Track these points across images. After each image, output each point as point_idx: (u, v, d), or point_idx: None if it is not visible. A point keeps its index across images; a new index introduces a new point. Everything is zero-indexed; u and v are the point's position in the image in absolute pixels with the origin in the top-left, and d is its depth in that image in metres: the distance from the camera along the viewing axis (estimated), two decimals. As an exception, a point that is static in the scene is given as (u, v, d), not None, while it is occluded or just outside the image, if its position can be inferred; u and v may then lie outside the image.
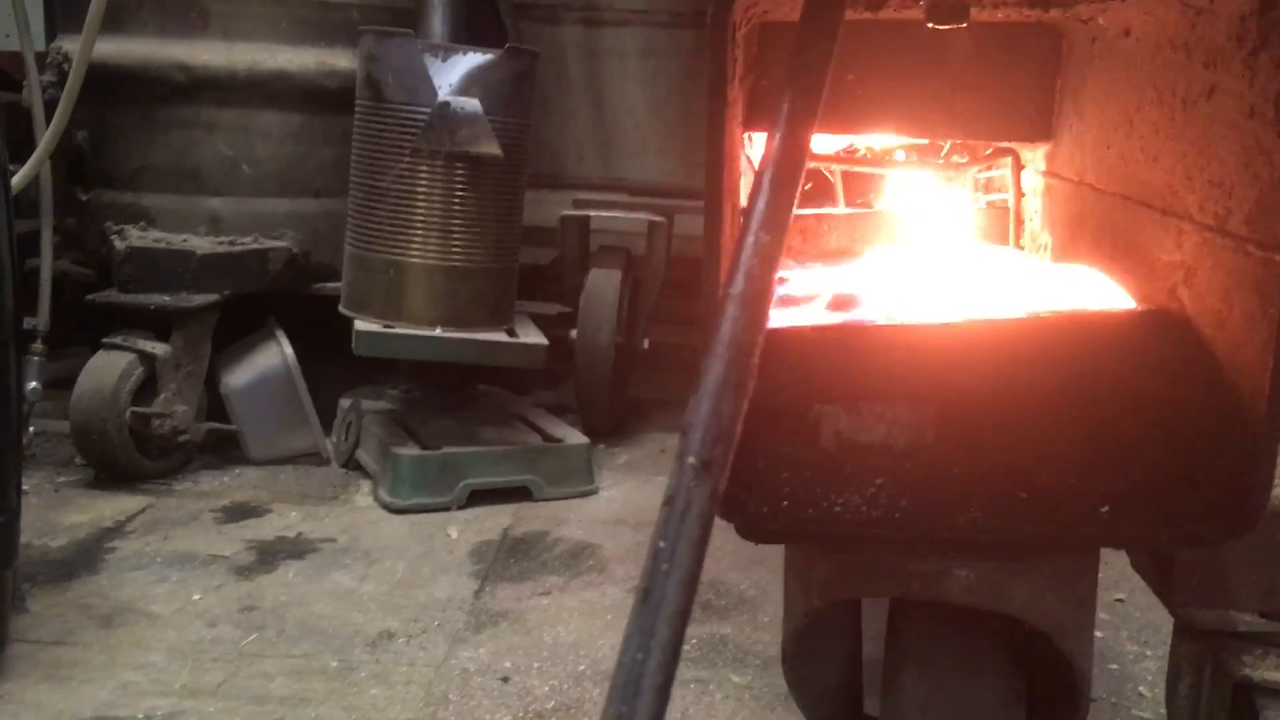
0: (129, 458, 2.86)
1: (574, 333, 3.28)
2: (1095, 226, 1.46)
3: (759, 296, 0.76)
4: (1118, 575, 2.27)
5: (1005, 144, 1.73)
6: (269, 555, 2.53)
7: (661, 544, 0.66)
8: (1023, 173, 1.75)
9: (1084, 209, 1.50)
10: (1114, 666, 2.14)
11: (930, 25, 1.19)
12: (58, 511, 2.72)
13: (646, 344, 3.49)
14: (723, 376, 0.71)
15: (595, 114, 4.01)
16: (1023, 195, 1.75)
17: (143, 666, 2.04)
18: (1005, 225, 1.78)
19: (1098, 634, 2.20)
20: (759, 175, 0.89)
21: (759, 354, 0.73)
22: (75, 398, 2.83)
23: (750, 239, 0.78)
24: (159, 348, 2.88)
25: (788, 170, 0.90)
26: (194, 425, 2.95)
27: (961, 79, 1.59)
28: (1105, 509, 1.09)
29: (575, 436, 3.06)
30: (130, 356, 2.86)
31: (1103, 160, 1.43)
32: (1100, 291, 1.35)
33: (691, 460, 0.69)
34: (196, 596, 2.32)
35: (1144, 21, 1.29)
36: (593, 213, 3.52)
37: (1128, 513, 1.09)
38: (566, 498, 2.94)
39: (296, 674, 2.03)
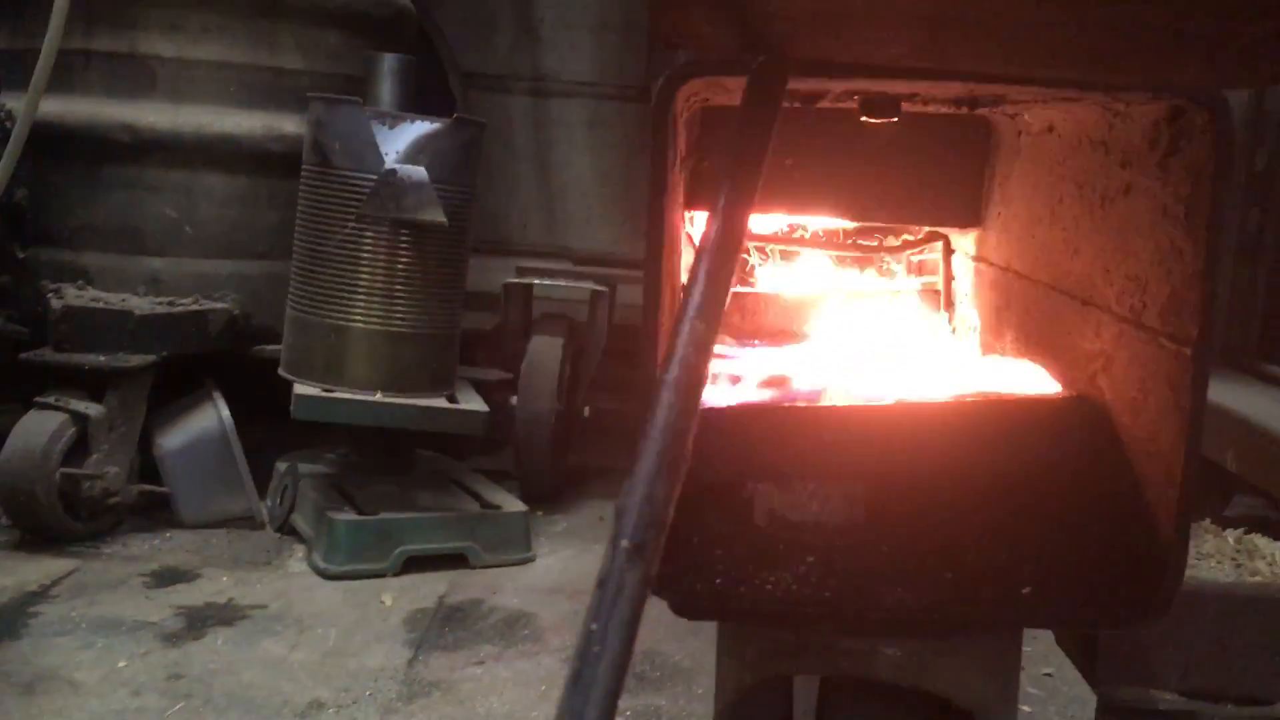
0: (57, 520, 2.80)
1: (515, 399, 3.29)
2: (1021, 312, 1.51)
3: (693, 384, 0.78)
4: (1046, 649, 2.31)
5: (936, 229, 1.79)
6: (198, 622, 2.49)
7: (593, 626, 0.67)
8: (953, 257, 1.81)
9: (1010, 294, 1.56)
10: (1042, 741, 2.17)
11: (864, 119, 1.24)
12: (-20, 574, 2.66)
13: (587, 412, 3.51)
14: (657, 461, 0.73)
15: (541, 182, 4.06)
16: (953, 278, 1.81)
17: (63, 736, 1.99)
18: (936, 307, 1.84)
19: (1026, 708, 2.23)
20: (695, 262, 0.92)
21: (692, 440, 0.76)
22: (4, 457, 2.77)
23: (686, 326, 0.81)
24: (92, 408, 2.85)
25: (724, 258, 0.93)
26: (125, 487, 2.90)
27: (895, 165, 1.65)
28: (1027, 590, 1.12)
29: (513, 504, 3.06)
30: (62, 416, 2.82)
31: (1028, 249, 1.49)
32: (1024, 377, 1.40)
33: (625, 543, 0.70)
34: (122, 664, 2.27)
35: (1066, 120, 1.35)
36: (536, 280, 3.55)
37: (1049, 594, 1.12)
38: (503, 565, 2.92)
39: (223, 745, 2.00)
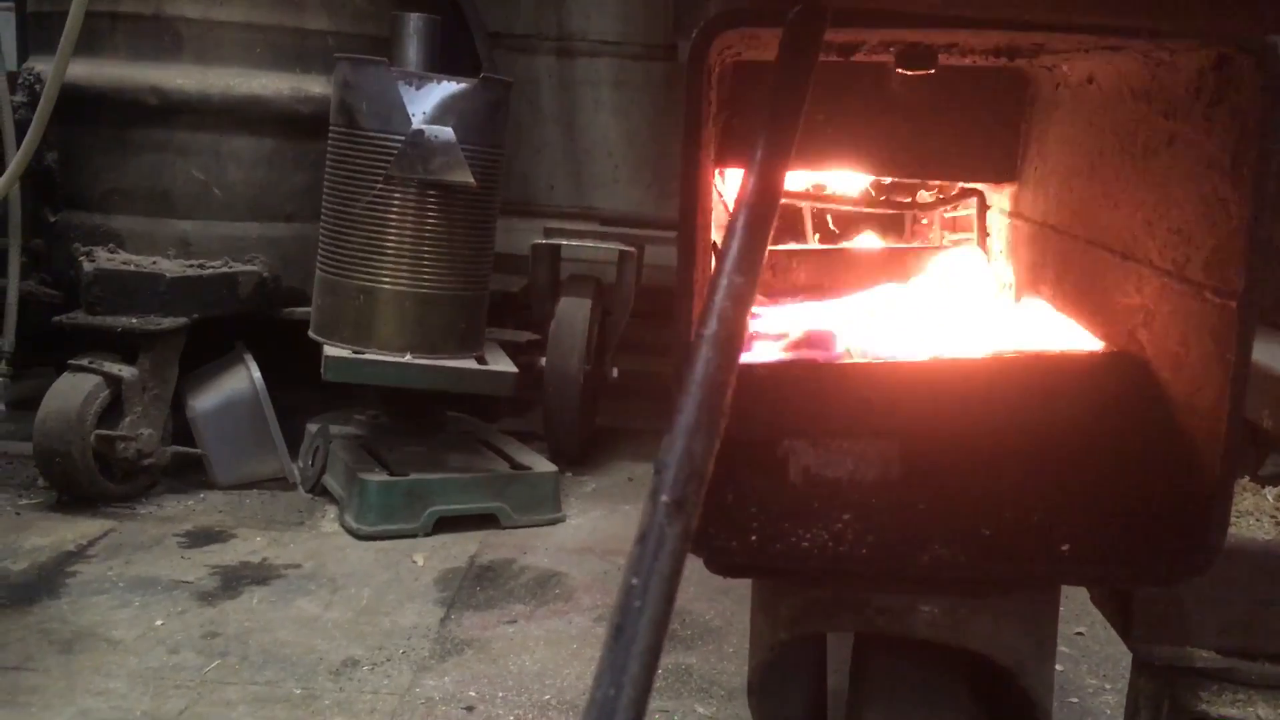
0: (92, 481, 2.84)
1: (543, 360, 3.29)
2: (1058, 268, 1.49)
3: (732, 338, 0.77)
4: (1078, 609, 2.30)
5: (971, 185, 1.76)
6: (233, 581, 2.52)
7: (634, 581, 0.67)
8: (988, 213, 1.79)
9: (1047, 250, 1.54)
10: (1074, 700, 2.16)
11: (899, 71, 1.22)
12: (19, 534, 2.69)
13: (615, 373, 3.50)
14: (696, 416, 0.73)
15: (567, 143, 4.04)
16: (987, 235, 1.79)
17: (103, 693, 2.02)
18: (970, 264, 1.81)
19: (1058, 667, 2.22)
20: (733, 217, 0.91)
21: (731, 394, 0.75)
22: (40, 419, 2.80)
23: (724, 281, 0.80)
24: (125, 370, 2.87)
25: (762, 212, 0.91)
26: (159, 449, 2.93)
27: (929, 120, 1.63)
28: (1066, 547, 1.11)
29: (543, 464, 3.06)
30: (96, 379, 2.84)
31: (1065, 203, 1.47)
32: (1062, 331, 1.38)
33: (664, 498, 0.70)
34: (159, 622, 2.30)
35: (1106, 71, 1.32)
36: (563, 241, 3.54)
37: (1087, 551, 1.11)
38: (534, 525, 2.94)
39: (259, 702, 2.02)
